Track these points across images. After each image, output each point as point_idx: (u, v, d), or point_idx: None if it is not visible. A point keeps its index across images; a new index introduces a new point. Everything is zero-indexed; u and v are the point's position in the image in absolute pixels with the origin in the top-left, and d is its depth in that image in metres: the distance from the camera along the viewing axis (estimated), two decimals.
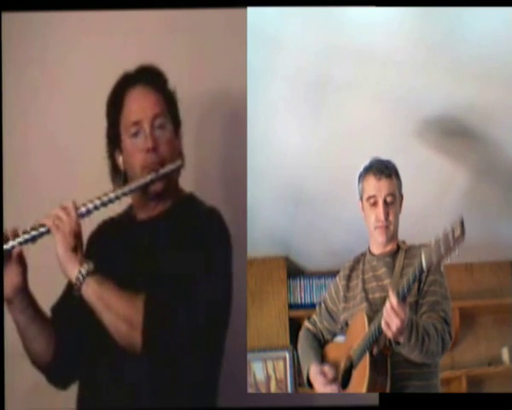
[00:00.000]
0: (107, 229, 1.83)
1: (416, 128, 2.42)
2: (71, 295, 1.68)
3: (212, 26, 2.18)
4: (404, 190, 2.02)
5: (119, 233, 1.79)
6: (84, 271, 1.58)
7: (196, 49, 2.19)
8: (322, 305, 2.18)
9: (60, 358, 1.73)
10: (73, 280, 1.59)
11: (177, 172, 1.76)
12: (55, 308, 1.78)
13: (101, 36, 2.21)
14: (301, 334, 2.23)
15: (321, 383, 1.95)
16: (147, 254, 1.68)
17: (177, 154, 1.76)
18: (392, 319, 1.64)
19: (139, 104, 1.72)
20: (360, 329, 1.86)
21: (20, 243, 1.62)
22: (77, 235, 1.61)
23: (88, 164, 2.11)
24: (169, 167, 1.71)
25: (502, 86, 2.14)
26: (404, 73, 2.14)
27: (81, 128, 2.16)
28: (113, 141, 1.76)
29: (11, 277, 1.64)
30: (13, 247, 1.61)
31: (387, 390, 1.79)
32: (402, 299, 1.66)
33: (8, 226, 1.65)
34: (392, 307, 1.64)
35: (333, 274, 2.23)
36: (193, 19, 2.17)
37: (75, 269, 1.59)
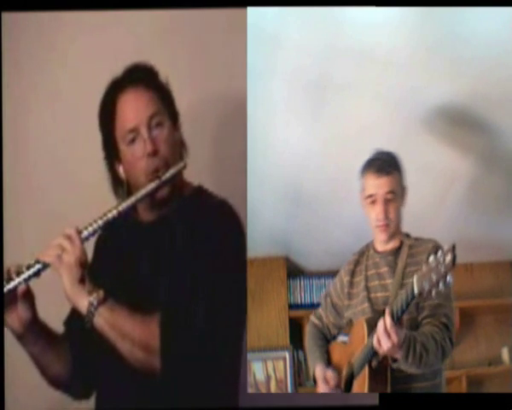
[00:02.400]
0: (115, 234, 1.74)
1: (416, 128, 2.42)
2: None
3: (212, 26, 2.18)
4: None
5: (126, 237, 1.71)
6: (94, 301, 1.51)
7: (196, 49, 2.18)
8: (328, 299, 2.15)
9: (76, 373, 1.69)
10: (85, 313, 1.51)
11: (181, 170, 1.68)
12: (67, 322, 1.73)
13: (101, 36, 2.20)
14: (308, 330, 2.22)
15: (324, 389, 1.95)
16: (156, 258, 1.62)
17: (180, 148, 1.69)
18: (383, 339, 1.64)
19: (132, 108, 1.62)
20: (361, 336, 1.84)
21: (25, 281, 1.54)
22: (83, 264, 1.53)
23: (87, 171, 2.10)
24: (172, 171, 1.62)
25: (502, 86, 2.14)
26: (404, 73, 2.14)
27: (82, 132, 2.16)
28: (111, 152, 1.68)
29: (20, 314, 1.57)
30: (17, 285, 1.54)
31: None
32: (396, 320, 1.66)
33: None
34: (386, 329, 1.63)
35: (333, 274, 2.22)
36: (193, 19, 2.17)
37: (85, 301, 1.51)
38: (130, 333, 1.50)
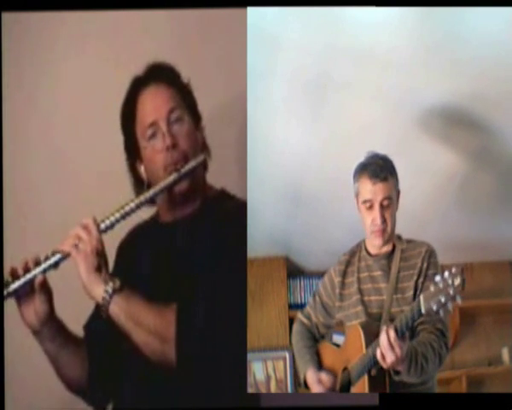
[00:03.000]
0: (135, 237, 1.76)
1: (416, 128, 2.42)
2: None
3: (212, 26, 2.18)
4: (404, 189, 2.01)
5: (146, 239, 1.72)
6: (110, 289, 1.51)
7: (196, 49, 2.18)
8: (317, 298, 2.13)
9: (95, 378, 1.68)
10: (100, 301, 1.51)
11: (202, 167, 1.68)
12: (87, 326, 1.73)
13: (101, 36, 2.21)
14: (295, 328, 2.19)
15: (319, 390, 1.94)
16: (176, 259, 1.61)
17: (200, 147, 1.69)
18: (387, 353, 1.63)
19: (152, 104, 1.64)
20: (357, 344, 1.83)
21: (43, 272, 1.54)
22: (99, 253, 1.53)
23: (89, 169, 2.10)
24: (191, 164, 1.62)
25: (501, 87, 2.14)
26: (403, 73, 2.14)
27: (84, 131, 2.16)
28: (132, 151, 1.68)
29: (36, 307, 1.57)
30: (34, 276, 1.54)
31: None
32: (400, 335, 1.64)
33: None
34: (389, 342, 1.62)
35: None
36: (193, 19, 2.17)
37: (100, 289, 1.51)
38: (146, 321, 1.49)
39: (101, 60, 2.17)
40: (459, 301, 1.56)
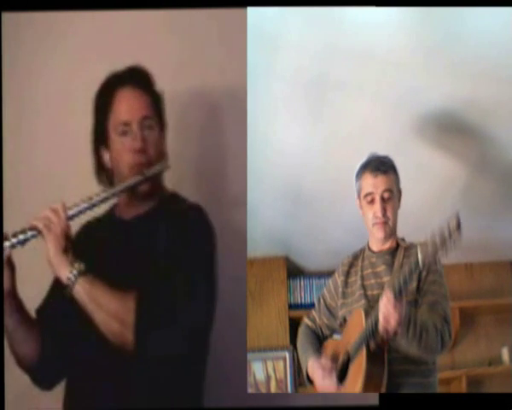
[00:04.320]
0: (91, 230, 1.84)
1: (416, 128, 2.42)
2: (56, 296, 1.71)
3: (212, 26, 2.18)
4: (404, 189, 2.02)
5: (104, 233, 1.80)
6: (75, 271, 1.59)
7: (196, 49, 2.18)
8: (321, 301, 2.18)
9: (45, 359, 1.74)
10: (65, 281, 1.59)
11: (162, 172, 1.78)
12: (40, 310, 1.79)
13: (100, 36, 2.21)
14: (300, 330, 2.23)
15: (319, 375, 1.95)
16: (135, 253, 1.70)
17: (163, 155, 1.78)
18: (390, 315, 1.65)
19: (129, 105, 1.73)
20: (357, 324, 1.87)
21: (11, 247, 1.60)
22: (67, 236, 1.62)
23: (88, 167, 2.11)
24: (156, 168, 1.73)
25: (501, 86, 2.14)
26: (403, 73, 2.14)
27: (83, 129, 2.16)
28: (100, 137, 1.77)
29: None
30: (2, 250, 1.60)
31: (384, 383, 1.79)
32: (398, 293, 1.67)
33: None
34: (390, 303, 1.64)
35: (333, 274, 2.23)
36: (193, 19, 2.17)
37: (66, 270, 1.59)
38: (107, 304, 1.58)
39: (101, 59, 2.17)
40: (453, 248, 1.56)
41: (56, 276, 1.63)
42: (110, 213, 1.84)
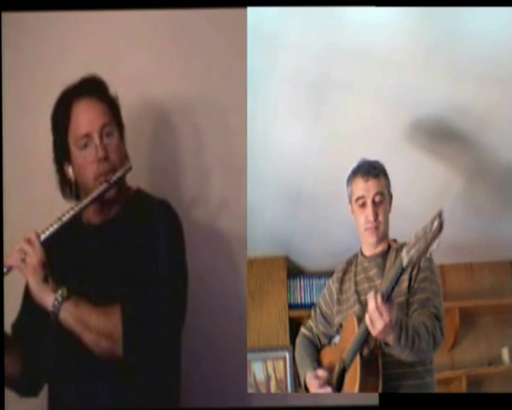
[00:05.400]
0: (59, 237, 1.77)
1: (416, 128, 2.42)
2: (29, 308, 1.74)
3: (212, 26, 2.18)
4: (403, 190, 2.02)
5: (73, 240, 1.79)
6: (59, 298, 1.62)
7: (196, 50, 2.18)
8: (317, 309, 2.19)
9: (27, 371, 1.78)
10: (50, 308, 1.62)
11: (126, 174, 1.79)
12: (15, 325, 1.81)
13: (100, 36, 2.20)
14: (298, 341, 2.24)
15: (315, 386, 1.95)
16: (107, 258, 1.71)
17: (124, 157, 1.79)
18: (376, 319, 1.62)
19: (87, 116, 1.74)
20: (351, 331, 1.86)
21: None
22: (44, 264, 1.63)
23: None
24: (120, 173, 1.74)
25: (501, 87, 2.14)
26: (403, 73, 2.14)
27: None
28: (62, 153, 1.78)
29: None
30: None
31: (379, 389, 1.78)
32: (386, 299, 1.63)
33: None
34: (377, 307, 1.61)
35: (333, 274, 2.23)
36: (193, 19, 2.17)
37: (50, 298, 1.62)
38: (95, 324, 1.61)
39: (101, 59, 2.16)
40: (435, 246, 1.53)
41: (41, 305, 1.64)
42: (77, 220, 1.77)
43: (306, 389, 2.03)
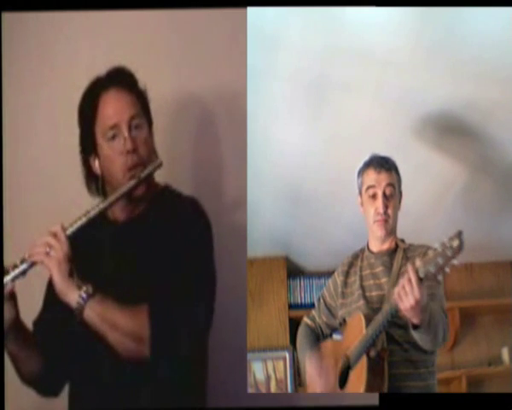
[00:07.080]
0: (84, 234, 1.71)
1: (416, 128, 2.42)
2: (52, 305, 1.68)
3: (212, 26, 2.18)
4: (404, 190, 2.02)
5: (99, 236, 1.73)
6: (84, 295, 1.56)
7: (196, 49, 2.18)
8: (321, 300, 2.18)
9: (48, 370, 1.72)
10: (75, 306, 1.56)
11: (155, 171, 1.74)
12: (36, 322, 1.77)
13: (100, 36, 2.21)
14: (300, 329, 2.23)
15: (316, 373, 1.96)
16: (134, 256, 1.67)
17: (153, 152, 1.74)
18: (408, 293, 1.58)
19: (115, 107, 1.69)
20: (357, 329, 1.86)
21: (13, 280, 1.58)
22: (70, 258, 1.58)
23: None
24: (149, 169, 1.69)
25: (501, 86, 2.14)
26: (404, 73, 2.14)
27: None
28: (88, 146, 1.72)
29: (5, 313, 1.61)
30: (4, 285, 1.58)
31: (385, 390, 1.78)
32: (420, 278, 1.60)
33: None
34: (410, 282, 1.58)
35: (333, 274, 2.23)
36: (193, 19, 2.17)
37: (75, 294, 1.56)
38: (121, 324, 1.56)
39: (102, 59, 2.16)
40: (456, 262, 1.57)
41: (64, 301, 1.58)
42: (102, 216, 1.72)
43: (305, 388, 2.03)
